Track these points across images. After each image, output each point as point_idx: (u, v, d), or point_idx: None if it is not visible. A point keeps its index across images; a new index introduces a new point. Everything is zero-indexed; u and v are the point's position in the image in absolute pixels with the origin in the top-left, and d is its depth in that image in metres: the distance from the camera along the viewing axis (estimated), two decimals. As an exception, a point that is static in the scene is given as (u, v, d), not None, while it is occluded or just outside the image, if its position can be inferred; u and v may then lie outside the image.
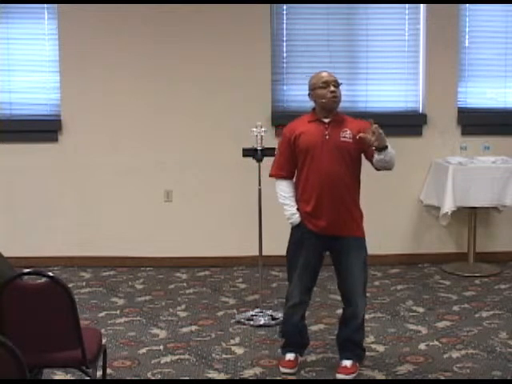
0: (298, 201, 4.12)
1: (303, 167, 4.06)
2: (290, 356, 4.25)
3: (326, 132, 4.01)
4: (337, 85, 4.05)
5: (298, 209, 4.09)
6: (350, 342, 4.17)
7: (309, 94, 4.14)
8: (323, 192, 4.00)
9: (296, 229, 4.14)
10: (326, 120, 4.05)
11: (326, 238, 4.06)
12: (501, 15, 6.51)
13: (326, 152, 3.98)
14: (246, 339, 4.75)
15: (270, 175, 4.23)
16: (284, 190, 4.14)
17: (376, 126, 3.81)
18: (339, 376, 4.10)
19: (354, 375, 4.11)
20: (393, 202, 6.51)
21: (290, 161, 4.12)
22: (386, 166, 4.01)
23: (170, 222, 6.49)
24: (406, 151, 6.45)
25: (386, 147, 3.88)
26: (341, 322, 4.24)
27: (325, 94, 4.02)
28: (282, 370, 4.22)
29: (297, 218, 4.08)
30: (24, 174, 6.44)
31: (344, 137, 4.00)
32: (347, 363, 4.13)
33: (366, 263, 4.13)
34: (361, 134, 3.86)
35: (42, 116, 6.47)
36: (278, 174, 4.18)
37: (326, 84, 4.03)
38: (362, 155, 4.10)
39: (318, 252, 4.11)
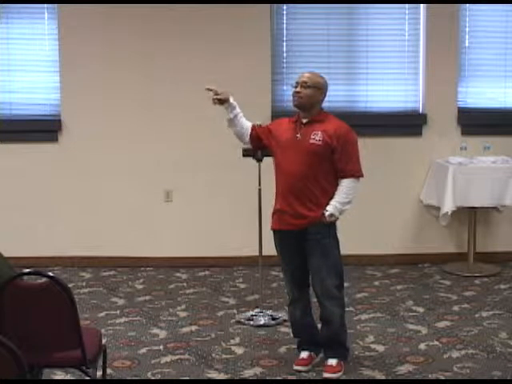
0: (275, 200, 4.23)
1: (276, 166, 4.19)
2: (303, 354, 4.30)
3: (299, 133, 4.09)
4: (306, 86, 4.10)
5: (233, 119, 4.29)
6: (333, 341, 4.21)
7: None
8: (286, 191, 4.10)
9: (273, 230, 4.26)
10: (305, 120, 4.14)
11: (295, 234, 4.10)
12: (501, 15, 6.50)
13: (293, 153, 4.08)
14: (245, 339, 4.75)
15: None
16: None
17: (326, 217, 4.05)
18: (326, 375, 4.14)
19: (341, 373, 4.15)
20: (393, 201, 6.51)
21: (261, 132, 4.28)
22: None
23: (170, 222, 6.49)
24: (406, 151, 6.47)
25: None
26: (321, 322, 4.28)
27: (292, 94, 4.16)
28: (295, 367, 4.25)
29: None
30: (24, 174, 6.44)
31: (313, 139, 4.06)
32: (333, 362, 4.17)
33: (335, 263, 4.13)
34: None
35: (42, 116, 6.47)
36: None
37: (296, 84, 4.16)
38: None
39: (292, 249, 4.16)
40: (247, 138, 4.33)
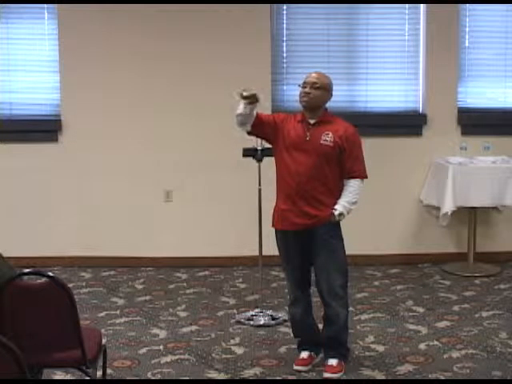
0: (276, 198, 4.20)
1: (281, 165, 4.14)
2: (303, 354, 4.30)
3: (308, 133, 4.08)
4: (316, 87, 4.08)
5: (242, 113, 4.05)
6: (334, 341, 4.21)
7: None
8: (292, 191, 4.07)
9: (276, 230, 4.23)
10: (312, 121, 4.12)
11: (299, 233, 4.10)
12: (501, 15, 6.51)
13: (302, 153, 4.06)
14: (245, 339, 4.75)
15: None
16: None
17: (334, 216, 4.06)
18: (326, 375, 4.15)
19: (341, 373, 4.16)
20: (393, 201, 6.51)
21: (266, 121, 4.14)
22: None
23: (170, 222, 6.50)
24: (406, 151, 6.48)
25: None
26: (324, 322, 4.27)
27: (300, 93, 4.13)
28: (295, 367, 4.26)
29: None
30: (24, 174, 6.44)
31: (325, 140, 4.06)
32: (333, 362, 4.18)
33: (341, 263, 4.14)
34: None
35: (42, 116, 6.47)
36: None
37: (304, 84, 4.12)
38: None
39: (295, 248, 4.15)
40: (249, 126, 4.16)
